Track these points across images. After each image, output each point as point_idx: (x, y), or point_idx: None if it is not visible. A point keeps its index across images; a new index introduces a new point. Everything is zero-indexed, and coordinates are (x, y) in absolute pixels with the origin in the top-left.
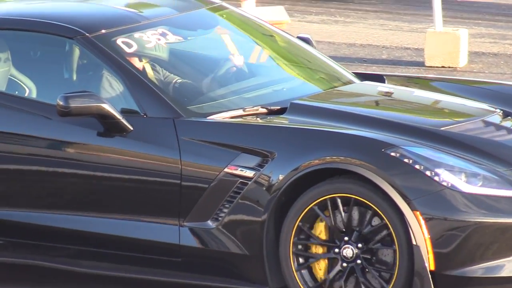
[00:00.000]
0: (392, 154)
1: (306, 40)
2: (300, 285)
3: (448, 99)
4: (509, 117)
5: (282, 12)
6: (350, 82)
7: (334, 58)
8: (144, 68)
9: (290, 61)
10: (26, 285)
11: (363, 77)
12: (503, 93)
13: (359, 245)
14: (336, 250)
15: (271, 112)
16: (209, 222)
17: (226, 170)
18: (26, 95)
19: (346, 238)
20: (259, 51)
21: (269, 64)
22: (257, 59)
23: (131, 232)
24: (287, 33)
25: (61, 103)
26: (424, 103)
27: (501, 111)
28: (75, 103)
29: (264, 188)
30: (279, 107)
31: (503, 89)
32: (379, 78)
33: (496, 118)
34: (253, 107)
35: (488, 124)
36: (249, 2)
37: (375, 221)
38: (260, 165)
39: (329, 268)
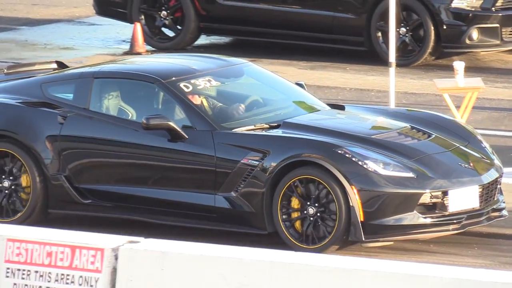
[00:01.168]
0: (339, 151)
1: (300, 85)
2: (284, 229)
3: (378, 118)
4: (413, 130)
5: (479, 81)
6: (322, 109)
7: None
8: (196, 100)
9: (286, 95)
10: (121, 231)
11: (331, 106)
12: (414, 115)
13: (317, 207)
14: (305, 212)
15: (271, 127)
16: (232, 193)
17: (242, 161)
18: (129, 117)
19: (308, 203)
20: (269, 91)
21: (273, 98)
22: (266, 95)
23: (187, 198)
24: (288, 80)
25: (144, 121)
26: (364, 121)
27: (410, 126)
28: (153, 122)
29: (264, 172)
30: (276, 124)
31: (415, 113)
32: (341, 107)
33: (406, 131)
34: (261, 124)
35: (400, 134)
36: (460, 76)
37: (325, 192)
38: (262, 158)
39: (302, 222)
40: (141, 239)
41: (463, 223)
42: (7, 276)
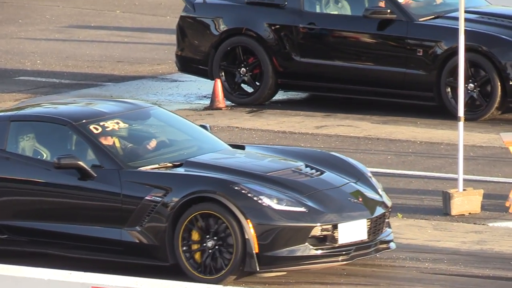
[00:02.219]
0: (236, 187)
1: (205, 127)
2: (184, 261)
3: (274, 157)
4: (307, 168)
5: None
6: (223, 149)
7: None
8: (108, 141)
9: (190, 136)
10: (36, 263)
11: (232, 146)
12: (308, 154)
13: (215, 240)
14: (204, 244)
15: (174, 166)
16: (137, 227)
17: (146, 197)
18: (44, 158)
19: (208, 236)
20: (174, 132)
21: (180, 139)
22: (171, 136)
23: (96, 233)
24: (192, 122)
25: (56, 161)
26: (261, 159)
27: (304, 164)
28: (64, 161)
29: (167, 208)
30: (179, 163)
31: (309, 151)
32: (242, 147)
33: (300, 168)
34: (164, 163)
35: (294, 171)
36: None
37: (224, 226)
38: (164, 195)
39: (201, 254)
40: None
41: (352, 254)
42: None
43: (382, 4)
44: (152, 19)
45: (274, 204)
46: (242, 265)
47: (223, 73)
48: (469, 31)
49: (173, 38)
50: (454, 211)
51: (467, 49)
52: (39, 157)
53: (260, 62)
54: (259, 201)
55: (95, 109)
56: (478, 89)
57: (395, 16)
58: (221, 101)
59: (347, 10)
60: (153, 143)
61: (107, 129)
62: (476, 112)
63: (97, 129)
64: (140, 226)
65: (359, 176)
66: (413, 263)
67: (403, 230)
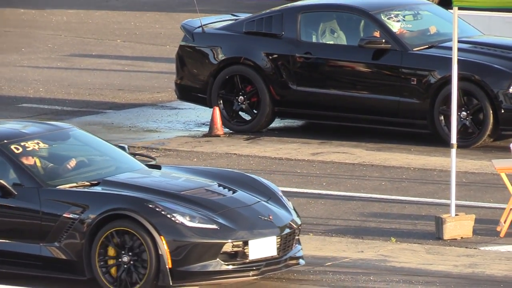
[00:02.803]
0: (150, 205)
1: (123, 147)
2: (100, 275)
3: (189, 176)
4: (220, 187)
5: None
6: (140, 169)
7: None
8: (29, 160)
9: (108, 156)
10: None
11: (148, 166)
12: (222, 174)
13: (131, 255)
14: (119, 259)
15: (92, 184)
16: (56, 243)
17: (64, 215)
18: None
19: (123, 252)
20: (92, 152)
21: (98, 159)
22: (90, 156)
23: (16, 248)
24: (110, 143)
25: None
26: (176, 179)
27: (217, 184)
28: None
29: (84, 224)
30: (96, 181)
31: (223, 171)
32: (158, 167)
33: (213, 187)
34: (82, 182)
35: (207, 190)
36: None
37: (138, 243)
38: (82, 212)
39: (117, 269)
40: None
41: (262, 269)
42: None
43: (377, 34)
44: (152, 48)
45: (187, 222)
46: (156, 280)
47: (221, 101)
48: (462, 60)
49: (172, 67)
50: (447, 235)
51: (460, 78)
52: None
53: (257, 90)
54: (173, 219)
55: (15, 130)
56: (471, 117)
57: (389, 46)
58: (220, 128)
59: (342, 40)
60: (72, 163)
61: (27, 149)
62: (468, 139)
63: (18, 149)
64: (59, 242)
65: (271, 195)
66: (406, 286)
67: (397, 254)
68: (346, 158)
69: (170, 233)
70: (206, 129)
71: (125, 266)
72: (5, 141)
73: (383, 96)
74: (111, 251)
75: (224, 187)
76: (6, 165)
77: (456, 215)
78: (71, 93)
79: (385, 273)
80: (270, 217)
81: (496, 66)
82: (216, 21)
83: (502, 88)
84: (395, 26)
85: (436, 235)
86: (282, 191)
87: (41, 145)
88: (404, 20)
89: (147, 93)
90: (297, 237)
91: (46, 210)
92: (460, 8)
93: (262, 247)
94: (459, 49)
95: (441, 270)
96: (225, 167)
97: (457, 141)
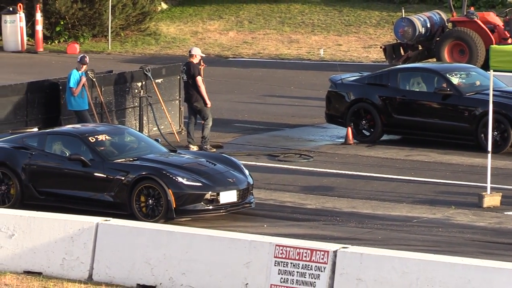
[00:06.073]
0: (164, 172)
1: (157, 140)
2: (136, 210)
3: (190, 156)
4: (207, 162)
5: None
6: (163, 152)
7: None
8: (97, 146)
9: (146, 144)
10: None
11: (170, 150)
12: (210, 155)
13: (153, 200)
14: (147, 202)
15: (133, 160)
16: (112, 193)
17: (117, 177)
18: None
19: (149, 198)
20: (136, 141)
21: (138, 145)
22: (134, 144)
23: (91, 196)
24: (148, 137)
25: (68, 156)
26: (182, 157)
27: (205, 160)
28: (73, 156)
29: (127, 182)
30: (136, 158)
31: (212, 154)
32: (174, 150)
33: (202, 162)
34: (128, 158)
35: (199, 164)
36: None
37: (157, 193)
38: (126, 175)
39: (146, 208)
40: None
41: (228, 209)
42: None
43: (444, 85)
44: (312, 92)
45: (184, 181)
46: (167, 214)
47: (352, 124)
48: (494, 101)
49: (323, 103)
50: (485, 205)
51: (493, 112)
52: None
53: (373, 118)
54: (176, 179)
55: (93, 128)
56: (499, 135)
57: (452, 92)
58: (351, 139)
59: (424, 88)
60: (122, 148)
61: (98, 140)
62: (498, 148)
63: (92, 139)
64: (114, 192)
65: (236, 167)
66: (461, 234)
67: (455, 216)
68: (425, 158)
69: (175, 187)
70: (342, 140)
71: (150, 206)
72: (86, 134)
73: (448, 122)
74: (142, 198)
75: (209, 162)
76: (86, 149)
77: (490, 193)
78: (263, 118)
79: (448, 226)
80: (234, 179)
81: None
82: (350, 77)
83: None
84: (455, 80)
85: (478, 205)
86: (384, 177)
87: (107, 137)
88: (460, 77)
89: (308, 118)
90: (251, 190)
91: (107, 174)
92: (494, 70)
93: (228, 196)
94: (493, 95)
95: (481, 225)
96: (353, 163)
97: (491, 149)
